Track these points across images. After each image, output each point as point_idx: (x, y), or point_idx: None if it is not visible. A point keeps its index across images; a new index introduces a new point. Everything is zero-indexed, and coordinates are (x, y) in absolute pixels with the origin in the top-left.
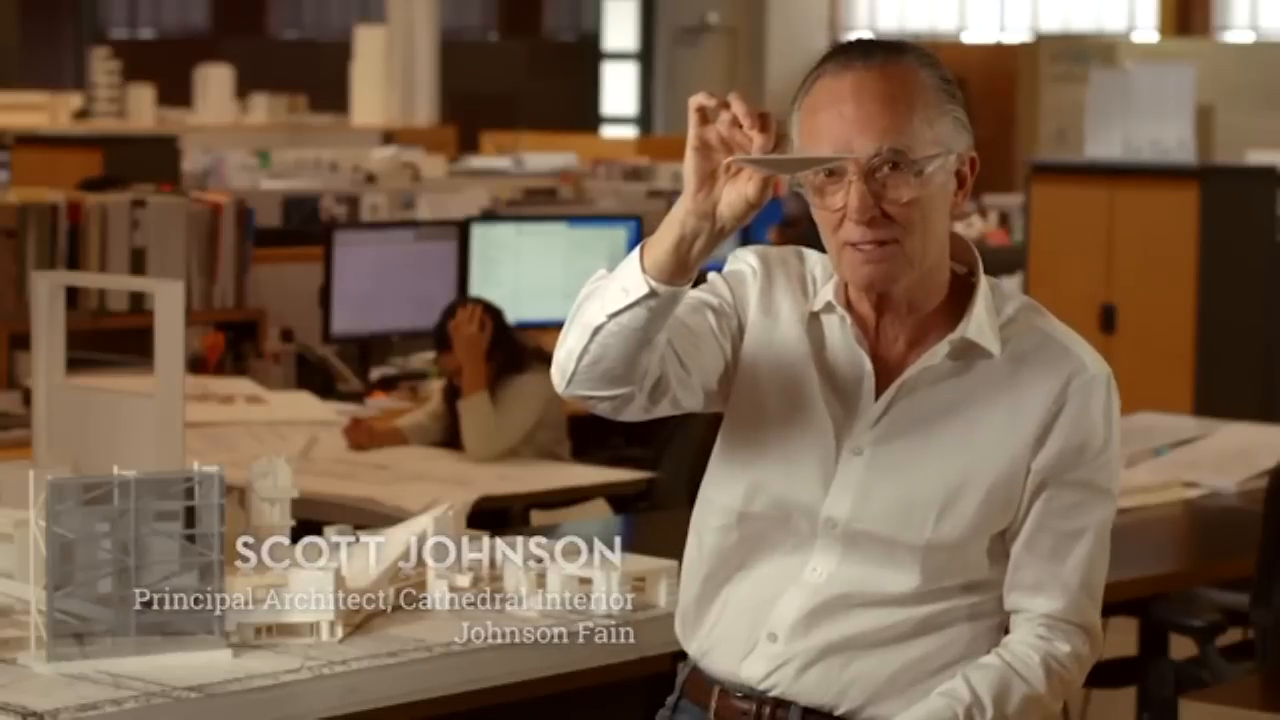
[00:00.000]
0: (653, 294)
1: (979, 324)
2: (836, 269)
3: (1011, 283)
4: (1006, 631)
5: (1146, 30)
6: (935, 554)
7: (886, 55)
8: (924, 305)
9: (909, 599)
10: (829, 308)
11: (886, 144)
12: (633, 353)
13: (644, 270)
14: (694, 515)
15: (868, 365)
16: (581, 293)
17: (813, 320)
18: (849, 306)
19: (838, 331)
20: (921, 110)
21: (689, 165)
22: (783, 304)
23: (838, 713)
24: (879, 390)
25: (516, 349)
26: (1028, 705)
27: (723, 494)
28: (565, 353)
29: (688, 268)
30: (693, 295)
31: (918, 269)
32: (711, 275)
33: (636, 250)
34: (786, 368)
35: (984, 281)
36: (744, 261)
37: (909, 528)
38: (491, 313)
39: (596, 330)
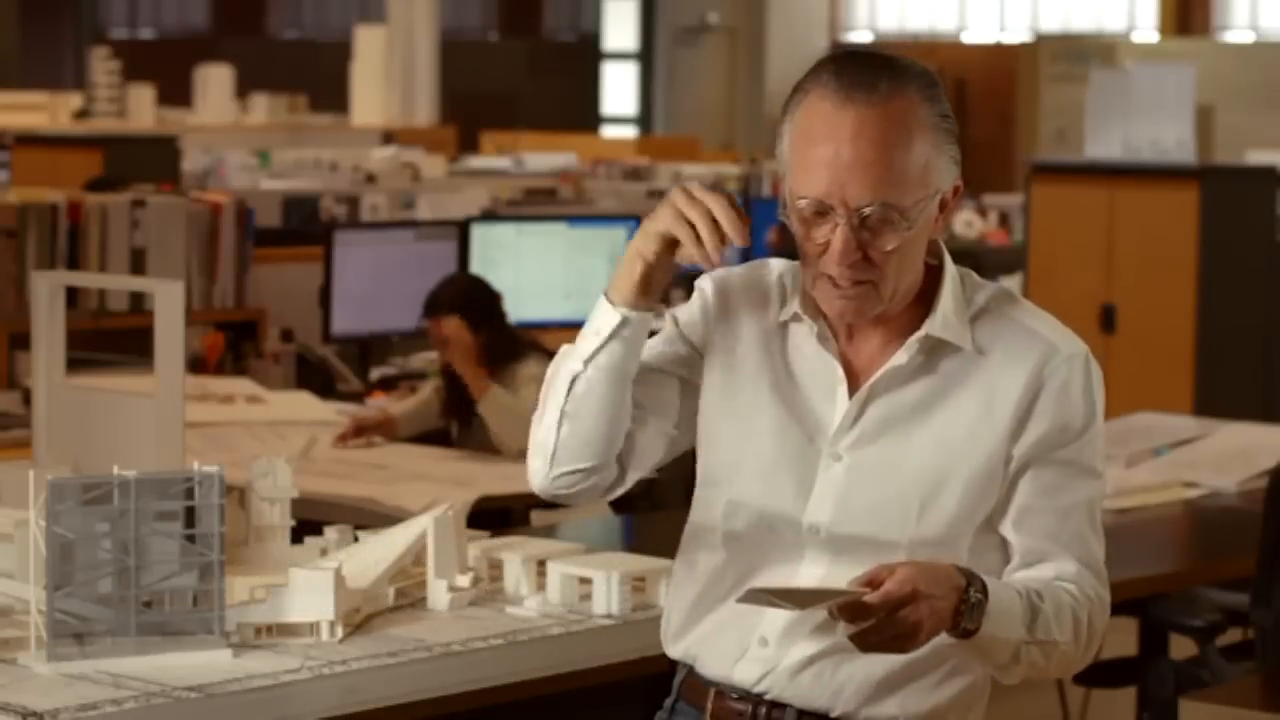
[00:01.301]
0: (625, 322)
1: (944, 319)
2: (809, 289)
3: (1011, 282)
4: None
5: (1146, 30)
6: (921, 551)
7: (891, 86)
8: (895, 308)
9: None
10: (798, 317)
11: (880, 197)
12: (614, 400)
13: (612, 304)
14: (683, 537)
15: (839, 371)
16: (546, 376)
17: (781, 330)
18: (820, 313)
19: (808, 339)
20: (918, 154)
21: (660, 231)
22: (744, 324)
23: (833, 714)
24: (851, 394)
25: (510, 336)
26: (1063, 611)
27: (707, 516)
28: (544, 431)
29: (651, 290)
30: (648, 350)
31: (889, 302)
32: (667, 321)
33: (599, 304)
34: (753, 388)
35: (951, 273)
36: (699, 291)
37: (892, 527)
38: (478, 302)
39: (573, 383)
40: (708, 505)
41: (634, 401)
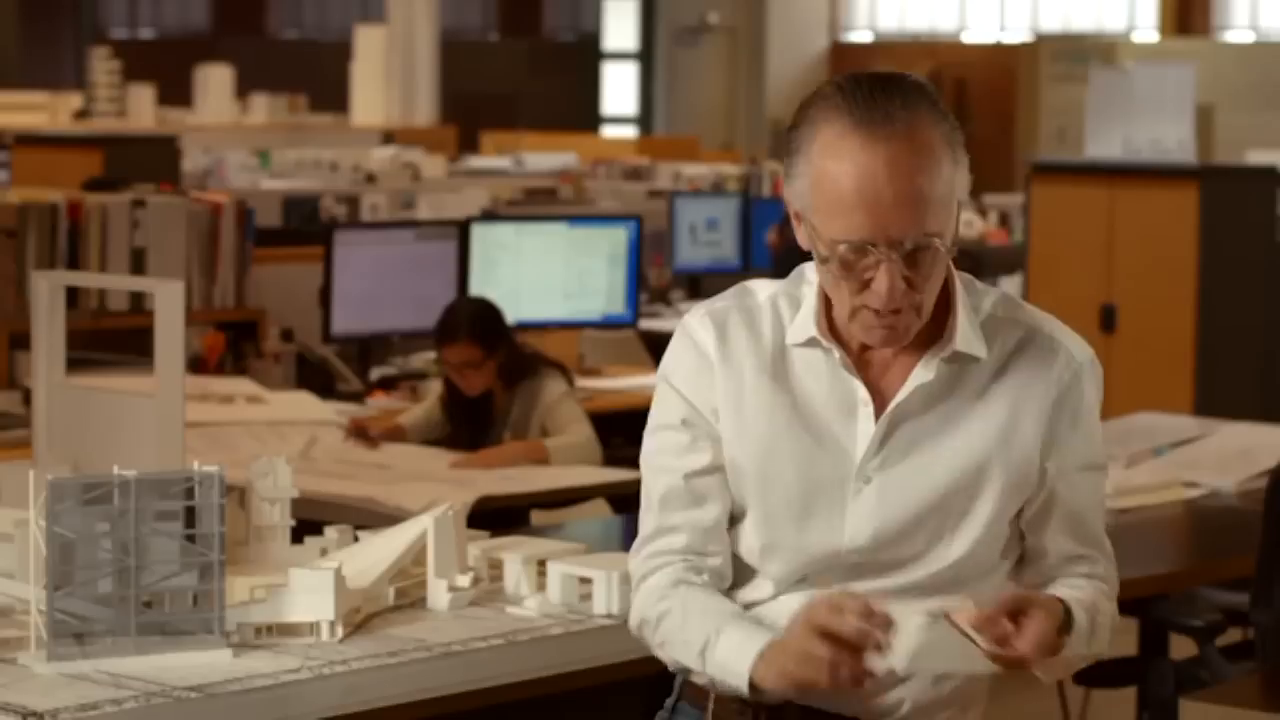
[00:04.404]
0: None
1: (964, 333)
2: (846, 322)
3: (1011, 282)
4: None
5: (1146, 30)
6: (949, 555)
7: (906, 114)
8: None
9: (909, 594)
10: (812, 342)
11: (922, 229)
12: None
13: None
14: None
15: (863, 393)
16: (654, 611)
17: (782, 355)
18: (833, 333)
19: (823, 364)
20: (945, 175)
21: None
22: (745, 361)
23: (834, 709)
24: (876, 414)
25: (521, 353)
26: (1105, 618)
27: (739, 550)
28: (669, 660)
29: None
30: (682, 462)
31: (926, 317)
32: (663, 392)
33: (750, 666)
34: (768, 422)
35: (959, 286)
36: (693, 343)
37: (929, 541)
38: (490, 325)
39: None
40: (739, 539)
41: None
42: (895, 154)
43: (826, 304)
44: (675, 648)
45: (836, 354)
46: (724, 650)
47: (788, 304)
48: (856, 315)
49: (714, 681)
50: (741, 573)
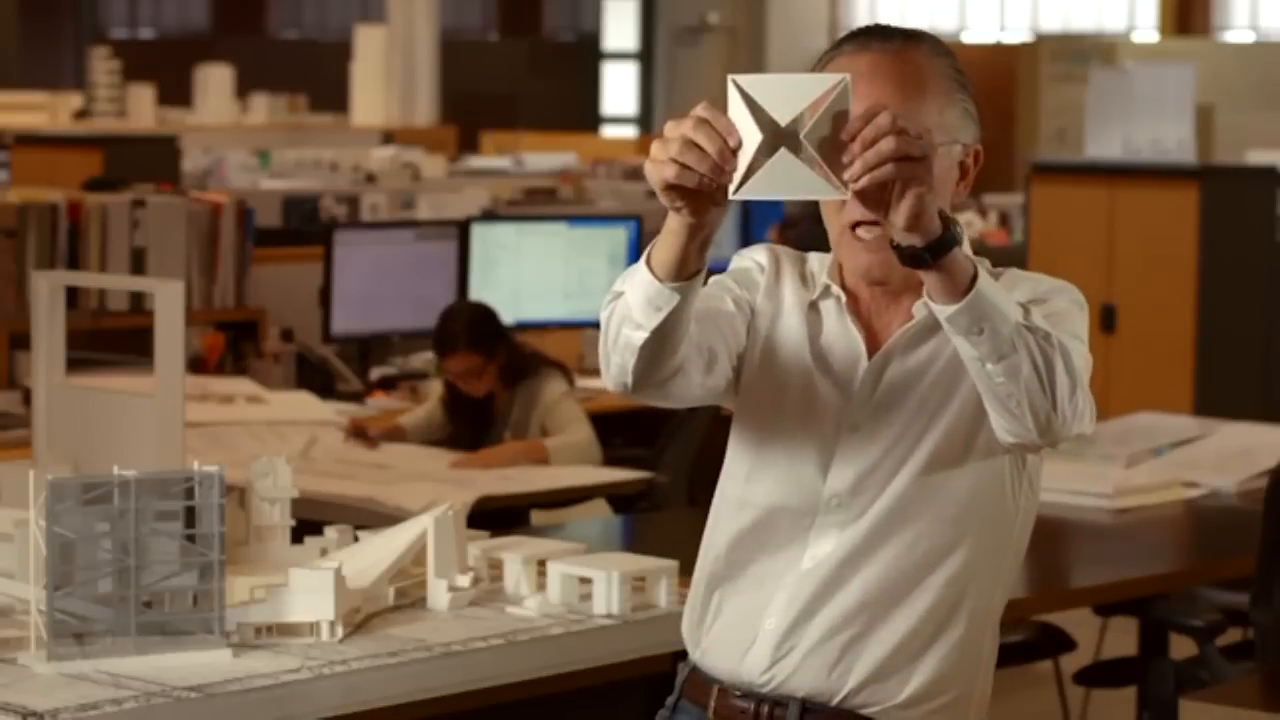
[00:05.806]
0: (679, 291)
1: None
2: (836, 252)
3: None
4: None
5: (1146, 30)
6: (933, 501)
7: (904, 40)
8: (915, 284)
9: (901, 555)
10: (826, 291)
11: None
12: (681, 333)
13: (662, 281)
14: (709, 520)
15: (861, 344)
16: (603, 317)
17: (812, 309)
18: (844, 287)
19: (834, 314)
20: (933, 98)
21: (662, 192)
22: (786, 295)
23: (834, 701)
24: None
25: (520, 354)
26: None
27: (730, 488)
28: (617, 370)
29: (693, 257)
30: (712, 284)
31: None
32: (715, 278)
33: (644, 271)
34: (787, 356)
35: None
36: (750, 259)
37: (909, 487)
38: (488, 330)
39: (643, 345)
40: (733, 478)
41: (718, 331)
42: (879, 62)
43: (841, 266)
44: (616, 316)
45: (844, 299)
46: (634, 274)
47: (818, 267)
48: (843, 239)
49: (630, 311)
50: (725, 506)
